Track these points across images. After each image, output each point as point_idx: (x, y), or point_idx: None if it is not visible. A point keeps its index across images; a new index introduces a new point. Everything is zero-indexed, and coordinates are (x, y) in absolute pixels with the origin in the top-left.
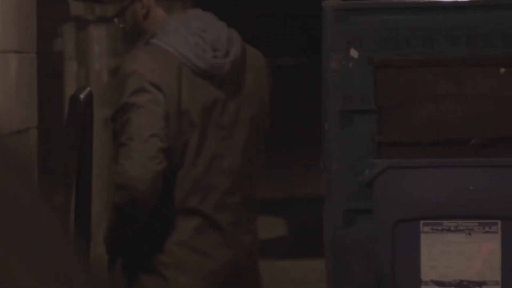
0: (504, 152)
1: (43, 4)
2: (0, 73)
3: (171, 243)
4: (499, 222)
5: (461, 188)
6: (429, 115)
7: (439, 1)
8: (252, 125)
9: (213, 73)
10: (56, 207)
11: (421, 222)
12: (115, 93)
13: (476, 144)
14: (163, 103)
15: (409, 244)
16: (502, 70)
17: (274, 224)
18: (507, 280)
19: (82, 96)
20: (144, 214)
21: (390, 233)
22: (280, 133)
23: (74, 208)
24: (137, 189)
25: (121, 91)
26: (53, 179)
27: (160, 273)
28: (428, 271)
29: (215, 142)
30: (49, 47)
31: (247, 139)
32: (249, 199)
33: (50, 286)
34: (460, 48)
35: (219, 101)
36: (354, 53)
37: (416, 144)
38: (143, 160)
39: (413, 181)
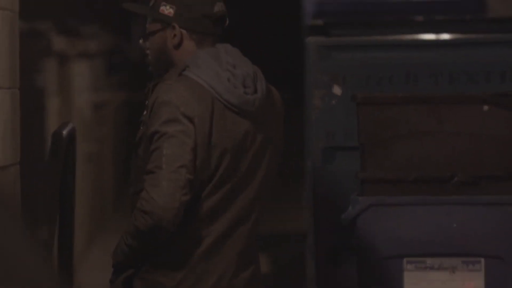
0: (487, 190)
1: (25, 39)
2: None
3: (181, 263)
4: (482, 260)
5: (444, 226)
6: (412, 152)
7: (421, 39)
8: (271, 161)
9: (244, 108)
10: (39, 241)
11: (405, 259)
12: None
13: (459, 181)
14: (193, 135)
15: (392, 282)
16: (485, 107)
17: None
18: None
19: (64, 132)
20: (163, 239)
21: (373, 271)
22: None
23: (57, 242)
24: (164, 217)
25: (153, 119)
26: (36, 214)
27: None
28: None
29: (239, 175)
30: (31, 82)
31: (265, 174)
32: (254, 232)
33: None
34: (443, 85)
35: (249, 136)
36: (337, 90)
37: (399, 181)
38: (172, 190)
39: (396, 219)
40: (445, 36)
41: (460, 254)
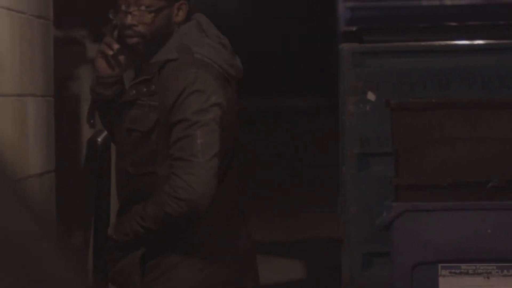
0: None
1: (60, 47)
2: (17, 117)
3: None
4: None
5: (479, 231)
6: (446, 158)
7: (454, 44)
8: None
9: (238, 78)
10: (74, 248)
11: (439, 265)
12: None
13: (493, 186)
14: (220, 122)
15: None
16: None
17: (291, 267)
18: None
19: (99, 139)
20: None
21: (408, 277)
22: (298, 175)
23: (91, 249)
24: (201, 205)
25: (182, 108)
26: (71, 221)
27: (196, 265)
28: None
29: (231, 155)
30: (65, 90)
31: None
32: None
33: None
34: (476, 90)
35: (236, 108)
36: (371, 96)
37: (433, 187)
38: (210, 178)
39: (430, 224)
40: (478, 42)
41: (495, 259)
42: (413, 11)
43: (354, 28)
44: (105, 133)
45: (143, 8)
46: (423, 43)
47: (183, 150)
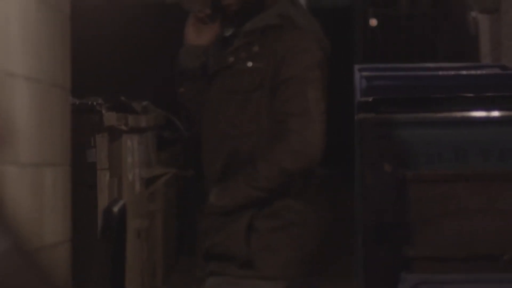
0: None
1: (76, 115)
2: (33, 186)
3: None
4: None
5: None
6: (462, 230)
7: (471, 116)
8: None
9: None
10: None
11: None
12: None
13: (509, 259)
14: (322, 80)
15: None
16: None
17: None
18: None
19: (115, 209)
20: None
21: None
22: None
23: None
24: (317, 157)
25: (290, 65)
26: None
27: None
28: None
29: None
30: (82, 158)
31: None
32: None
33: None
34: (493, 162)
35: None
36: (387, 167)
37: (449, 259)
38: (322, 132)
39: None
40: (495, 113)
41: None
42: (429, 82)
43: (370, 99)
44: (122, 202)
45: None
46: (439, 114)
47: (296, 105)
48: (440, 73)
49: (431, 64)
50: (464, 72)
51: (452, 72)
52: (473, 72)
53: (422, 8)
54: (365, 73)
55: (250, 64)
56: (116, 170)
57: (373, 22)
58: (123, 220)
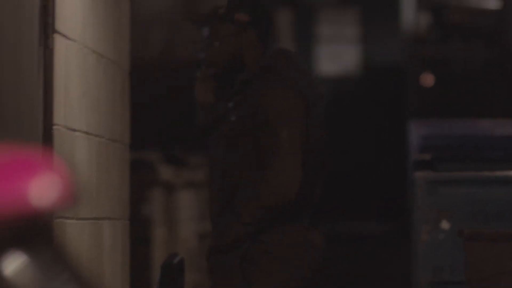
0: None
1: (133, 169)
2: (94, 240)
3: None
4: None
5: None
6: None
7: None
8: None
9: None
10: None
11: None
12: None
13: None
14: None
15: None
16: None
17: None
18: None
19: (174, 263)
20: None
21: None
22: None
23: None
24: (293, 191)
25: (264, 110)
26: None
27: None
28: None
29: None
30: (138, 212)
31: None
32: None
33: None
34: None
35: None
36: (445, 225)
37: None
38: (297, 168)
39: None
40: None
41: None
42: (487, 140)
43: (428, 157)
44: (180, 257)
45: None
46: (497, 173)
47: (270, 145)
48: (497, 132)
49: (487, 121)
50: None
51: (510, 131)
52: None
53: (476, 65)
54: (421, 132)
55: (235, 113)
56: (171, 224)
57: (427, 79)
58: (182, 275)
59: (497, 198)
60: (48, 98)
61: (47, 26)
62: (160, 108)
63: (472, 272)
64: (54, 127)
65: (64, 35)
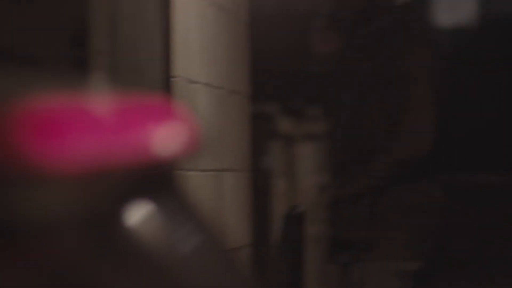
0: None
1: (252, 121)
2: (214, 192)
3: None
4: None
5: None
6: None
7: None
8: None
9: None
10: None
11: None
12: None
13: None
14: None
15: None
16: None
17: None
18: None
19: (295, 214)
20: None
21: None
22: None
23: None
24: (427, 147)
25: (398, 65)
26: None
27: None
28: None
29: None
30: (257, 164)
31: None
32: None
33: None
34: None
35: None
36: None
37: None
38: (431, 123)
39: None
40: None
41: None
42: None
43: None
44: (301, 208)
45: None
46: None
47: (406, 101)
48: None
49: None
50: None
51: None
52: None
53: None
54: None
55: (363, 66)
56: (291, 176)
57: None
58: (303, 227)
59: None
60: (167, 50)
61: None
62: (279, 60)
63: None
64: (175, 78)
65: None
